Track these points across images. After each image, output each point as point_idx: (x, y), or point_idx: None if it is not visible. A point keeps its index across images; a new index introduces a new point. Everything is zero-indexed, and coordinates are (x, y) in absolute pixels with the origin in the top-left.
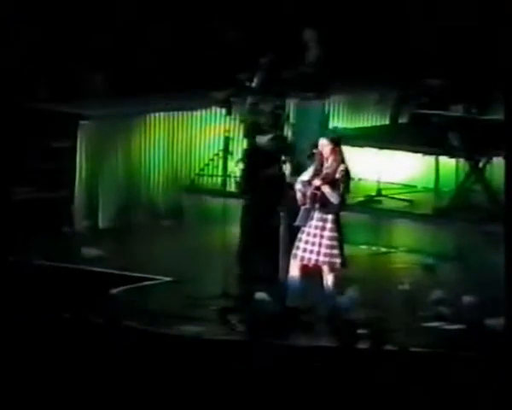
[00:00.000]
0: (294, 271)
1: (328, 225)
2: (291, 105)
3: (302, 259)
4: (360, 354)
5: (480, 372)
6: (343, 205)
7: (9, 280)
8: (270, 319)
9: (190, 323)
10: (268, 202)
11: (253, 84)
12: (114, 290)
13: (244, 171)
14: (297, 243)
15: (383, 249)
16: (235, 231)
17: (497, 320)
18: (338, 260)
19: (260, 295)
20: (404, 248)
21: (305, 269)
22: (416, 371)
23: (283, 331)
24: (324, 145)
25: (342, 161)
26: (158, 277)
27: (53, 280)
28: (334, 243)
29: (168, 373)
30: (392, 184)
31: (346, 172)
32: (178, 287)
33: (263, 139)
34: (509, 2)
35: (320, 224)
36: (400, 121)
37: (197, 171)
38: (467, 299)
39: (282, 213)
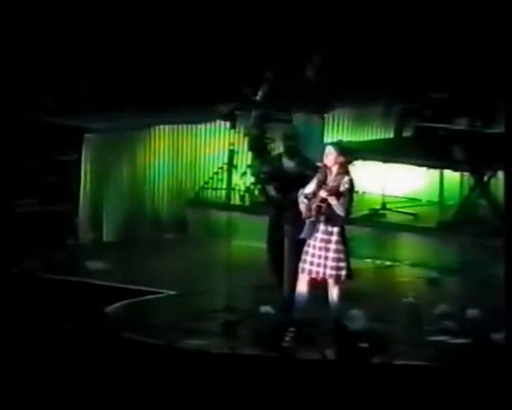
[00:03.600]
0: (302, 285)
1: (334, 238)
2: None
3: (310, 272)
4: (364, 367)
5: (485, 386)
6: (348, 217)
7: (13, 292)
8: (275, 332)
9: (195, 336)
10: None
11: (258, 98)
12: (119, 304)
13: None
14: (304, 257)
15: (387, 263)
16: (239, 244)
17: (502, 334)
18: (344, 273)
19: (265, 308)
20: (409, 262)
21: (312, 282)
22: (421, 385)
23: (288, 345)
24: (330, 154)
25: (347, 172)
26: (162, 290)
27: (57, 293)
28: (341, 255)
29: (173, 387)
30: (397, 197)
31: (351, 184)
32: (183, 300)
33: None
34: (510, 16)
35: (326, 237)
36: (404, 135)
37: (201, 184)
38: (471, 313)
39: (286, 227)
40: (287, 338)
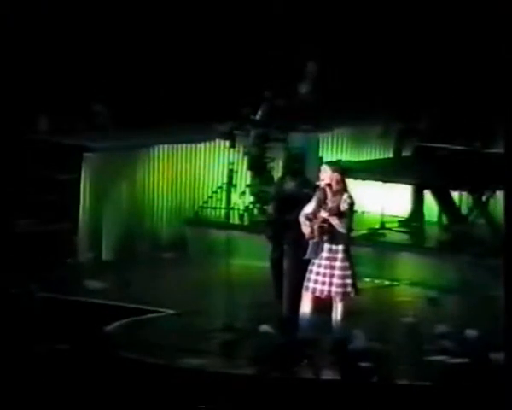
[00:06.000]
0: (306, 303)
1: (340, 256)
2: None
3: (314, 291)
4: (363, 387)
5: (483, 406)
6: (351, 234)
7: (12, 312)
8: (274, 352)
9: (194, 356)
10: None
11: (257, 117)
12: (117, 323)
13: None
14: (308, 276)
15: (386, 282)
16: (238, 263)
17: (501, 354)
18: (351, 289)
19: (264, 327)
20: (408, 282)
21: (316, 301)
22: (420, 405)
23: (288, 364)
24: (325, 172)
25: (345, 189)
26: (161, 309)
27: (56, 312)
28: (347, 272)
29: (172, 407)
30: (396, 217)
31: (351, 201)
32: (182, 320)
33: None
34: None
35: (331, 255)
36: (403, 154)
37: (201, 203)
38: (470, 333)
39: (286, 246)
40: (285, 357)
